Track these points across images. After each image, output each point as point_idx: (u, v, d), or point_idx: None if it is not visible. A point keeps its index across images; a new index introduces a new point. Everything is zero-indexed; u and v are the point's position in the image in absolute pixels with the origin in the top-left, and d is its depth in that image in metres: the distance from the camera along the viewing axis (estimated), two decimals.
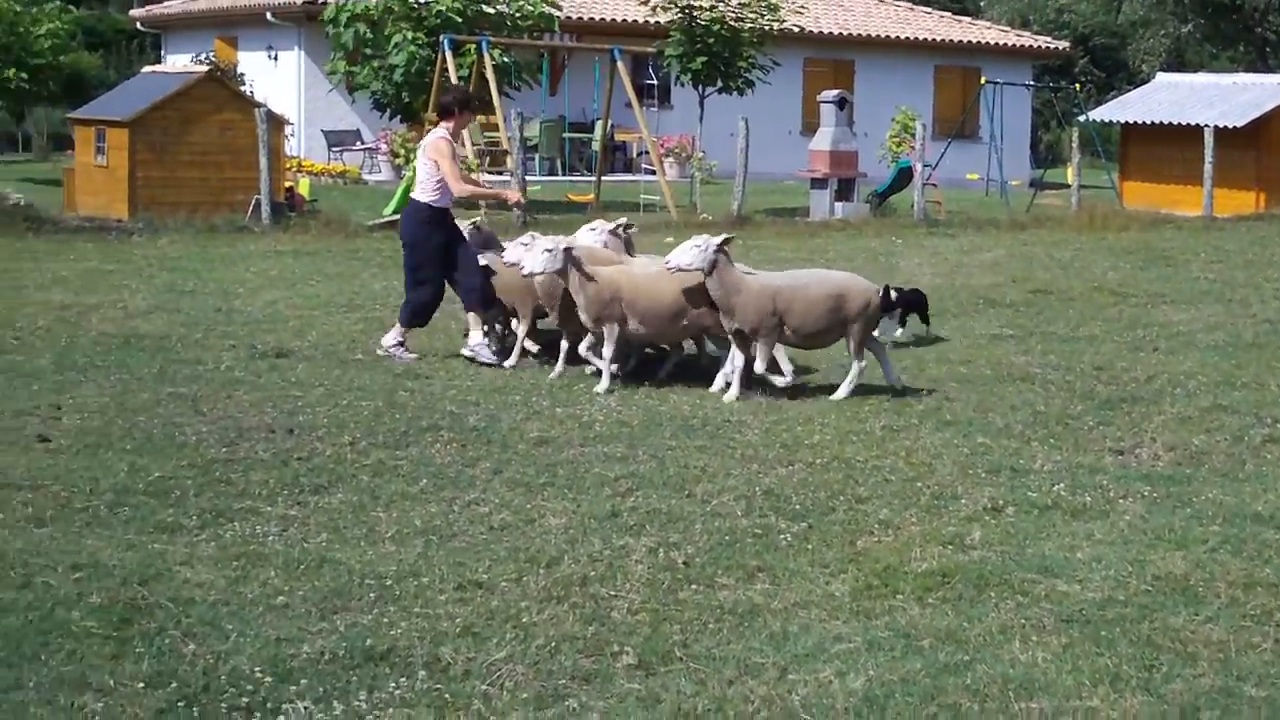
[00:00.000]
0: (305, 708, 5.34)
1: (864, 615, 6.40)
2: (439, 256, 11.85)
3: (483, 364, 11.57)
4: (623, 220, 12.94)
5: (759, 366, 10.61)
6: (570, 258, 10.78)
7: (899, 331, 12.99)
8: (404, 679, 5.59)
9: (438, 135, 12.18)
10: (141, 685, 5.47)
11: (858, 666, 5.80)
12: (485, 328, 11.88)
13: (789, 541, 7.37)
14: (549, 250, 10.79)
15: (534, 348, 11.87)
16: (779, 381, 10.76)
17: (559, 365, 11.38)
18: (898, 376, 11.03)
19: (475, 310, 11.80)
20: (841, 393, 10.74)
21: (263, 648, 5.84)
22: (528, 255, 10.96)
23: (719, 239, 10.73)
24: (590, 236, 12.12)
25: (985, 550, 7.29)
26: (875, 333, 11.14)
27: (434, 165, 11.87)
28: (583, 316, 10.86)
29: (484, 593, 6.55)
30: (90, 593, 6.38)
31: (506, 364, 11.59)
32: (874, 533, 7.57)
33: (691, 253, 10.56)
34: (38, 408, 9.84)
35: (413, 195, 12.30)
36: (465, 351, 11.80)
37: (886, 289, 12.25)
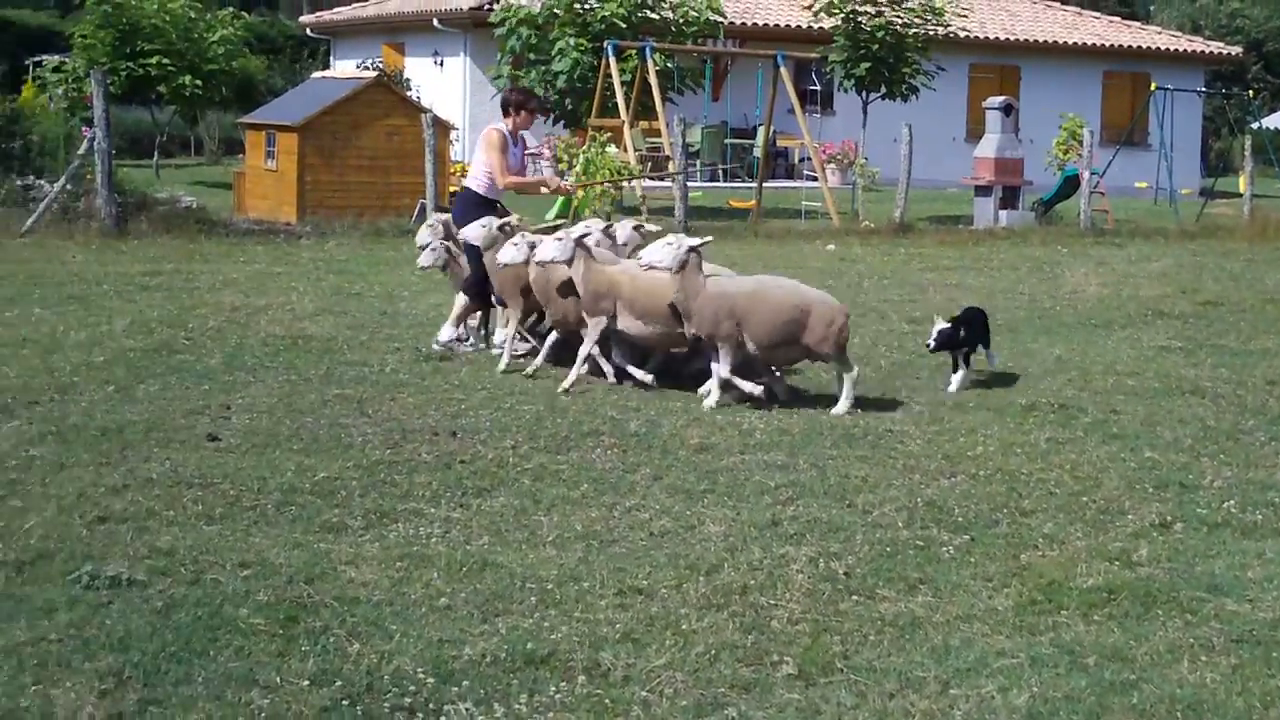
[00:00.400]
0: (466, 709, 5.38)
1: (1028, 631, 6.31)
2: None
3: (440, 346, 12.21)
4: (640, 221, 13.10)
5: (721, 372, 10.54)
6: (581, 247, 10.88)
7: (957, 377, 11.27)
8: (564, 683, 5.62)
9: (491, 127, 12.70)
10: (306, 683, 5.55)
11: (1021, 683, 5.72)
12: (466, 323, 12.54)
13: (951, 554, 7.30)
14: (560, 239, 10.90)
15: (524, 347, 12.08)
16: (745, 387, 10.65)
17: (539, 359, 11.55)
18: (848, 408, 10.49)
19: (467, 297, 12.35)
20: (841, 407, 10.46)
21: (425, 649, 5.89)
22: (544, 243, 11.05)
23: (694, 240, 10.68)
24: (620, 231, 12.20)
25: (1152, 567, 7.16)
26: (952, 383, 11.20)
27: (484, 156, 12.44)
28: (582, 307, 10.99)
29: (644, 599, 6.56)
30: (258, 590, 6.49)
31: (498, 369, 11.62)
32: (1038, 547, 7.47)
33: (664, 250, 10.54)
34: (208, 407, 10.04)
35: (464, 182, 12.92)
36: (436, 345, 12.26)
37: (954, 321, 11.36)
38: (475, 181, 12.65)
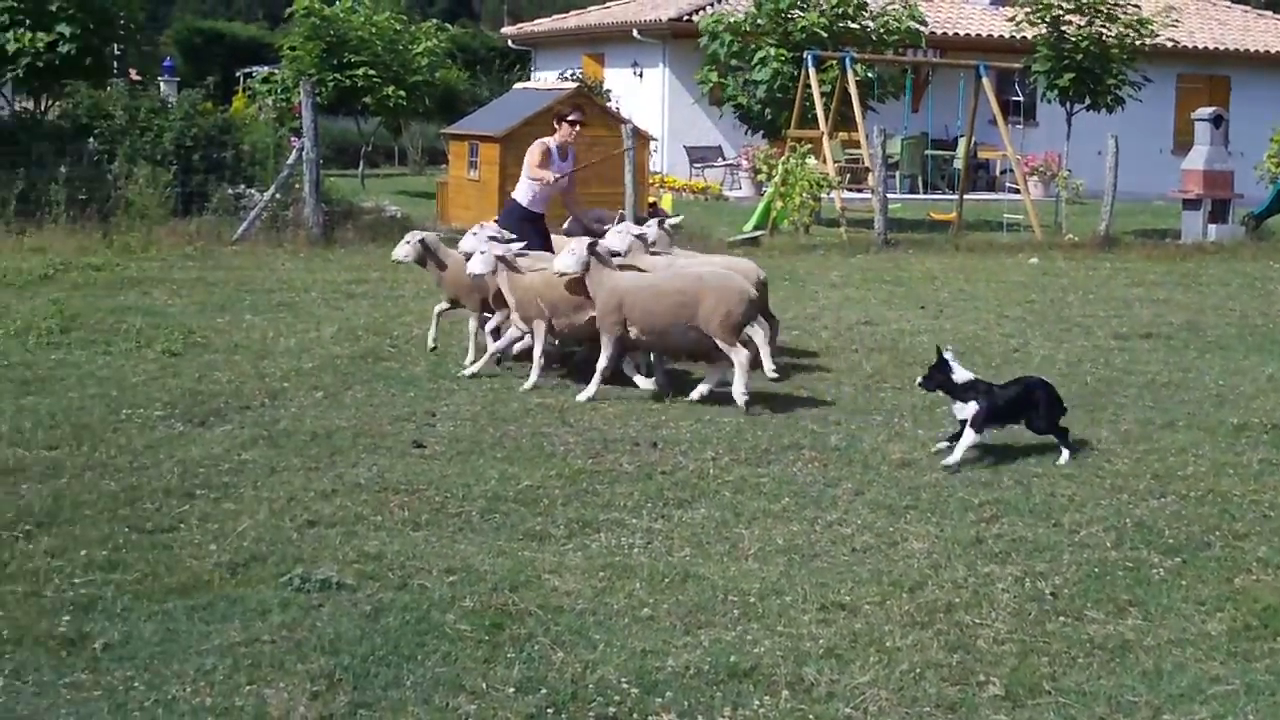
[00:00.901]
0: None
1: (1242, 657, 6.16)
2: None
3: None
4: (668, 217, 13.18)
5: (600, 363, 10.71)
6: (594, 254, 10.82)
7: (962, 444, 9.23)
8: (768, 697, 5.61)
9: (537, 141, 13.02)
10: (512, 690, 5.61)
11: (1236, 710, 5.59)
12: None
13: (1162, 576, 7.15)
14: (573, 251, 10.87)
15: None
16: (641, 384, 10.87)
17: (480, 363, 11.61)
18: (744, 392, 10.46)
19: None
20: (738, 386, 10.47)
21: (629, 659, 5.92)
22: (561, 255, 11.04)
23: (589, 241, 10.99)
24: (618, 238, 11.75)
25: None
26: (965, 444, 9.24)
27: (527, 168, 12.79)
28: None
29: (847, 615, 6.52)
30: (463, 596, 6.58)
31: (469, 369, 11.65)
32: (1252, 571, 7.28)
33: (567, 258, 10.78)
34: (413, 414, 10.20)
35: (513, 194, 13.21)
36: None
37: (939, 350, 9.55)
38: (520, 195, 13.06)
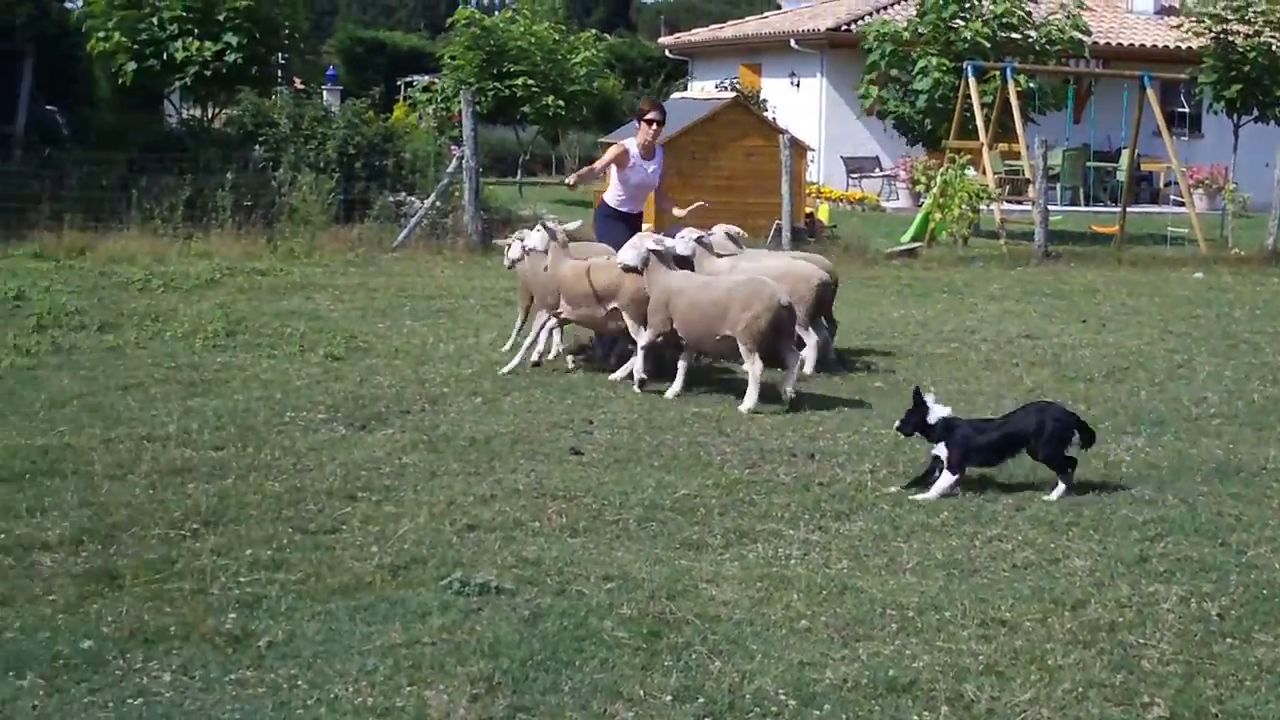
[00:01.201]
0: None
1: None
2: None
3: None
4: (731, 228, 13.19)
5: (640, 341, 11.37)
6: (654, 253, 11.18)
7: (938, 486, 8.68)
8: (927, 713, 5.56)
9: (618, 143, 13.41)
10: (669, 698, 5.61)
11: None
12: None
13: None
14: (635, 246, 11.34)
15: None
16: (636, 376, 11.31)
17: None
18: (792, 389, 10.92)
19: None
20: (747, 402, 10.82)
21: (786, 670, 5.89)
22: (624, 249, 11.49)
23: (653, 237, 11.63)
24: (681, 243, 12.00)
25: None
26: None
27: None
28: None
29: (1008, 631, 6.43)
30: (621, 603, 6.59)
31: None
32: None
33: (629, 252, 11.28)
34: (571, 421, 10.25)
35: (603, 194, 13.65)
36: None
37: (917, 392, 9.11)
38: (607, 195, 13.50)
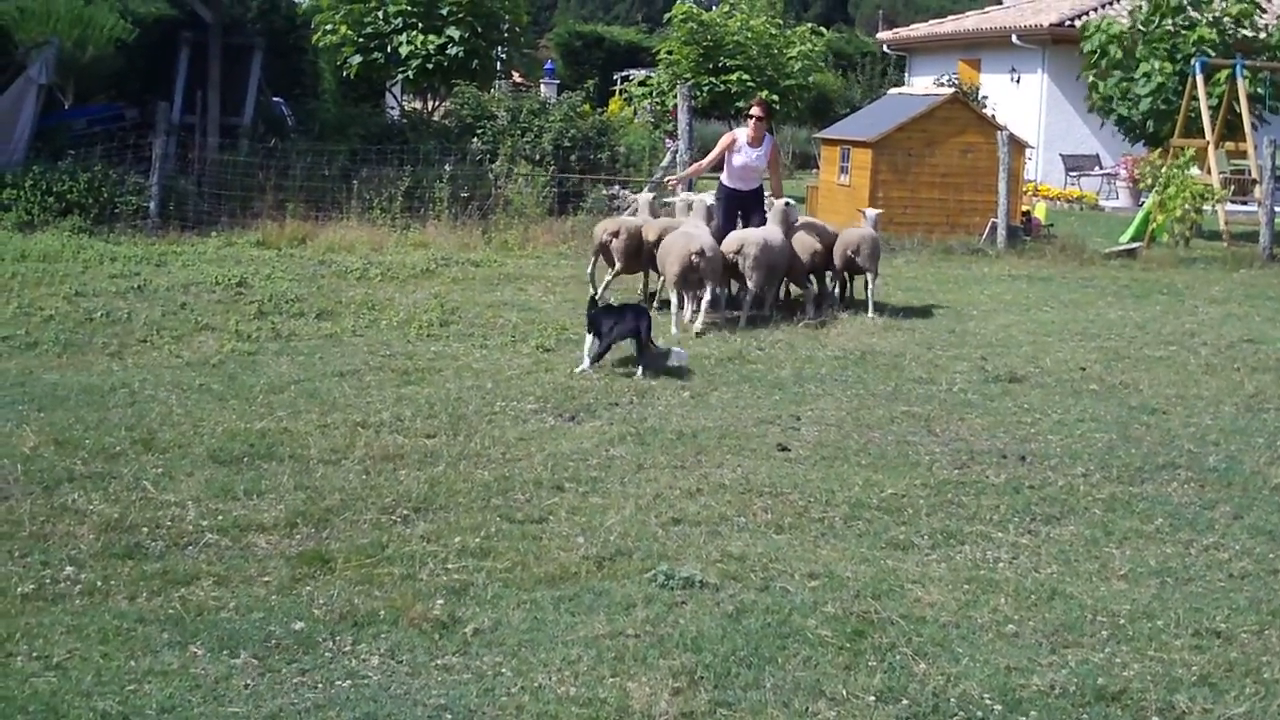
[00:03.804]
0: None
1: None
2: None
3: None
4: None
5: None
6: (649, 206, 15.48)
7: None
8: None
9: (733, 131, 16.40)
10: (872, 699, 5.57)
11: None
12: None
13: None
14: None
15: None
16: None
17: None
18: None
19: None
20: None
21: (992, 675, 5.82)
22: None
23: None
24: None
25: None
26: None
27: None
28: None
29: (1222, 642, 6.27)
30: (825, 602, 6.56)
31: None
32: None
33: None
34: (778, 417, 10.22)
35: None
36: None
37: None
38: (723, 178, 15.94)
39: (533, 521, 7.65)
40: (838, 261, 15.18)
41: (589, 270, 15.52)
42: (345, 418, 9.67)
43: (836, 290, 15.71)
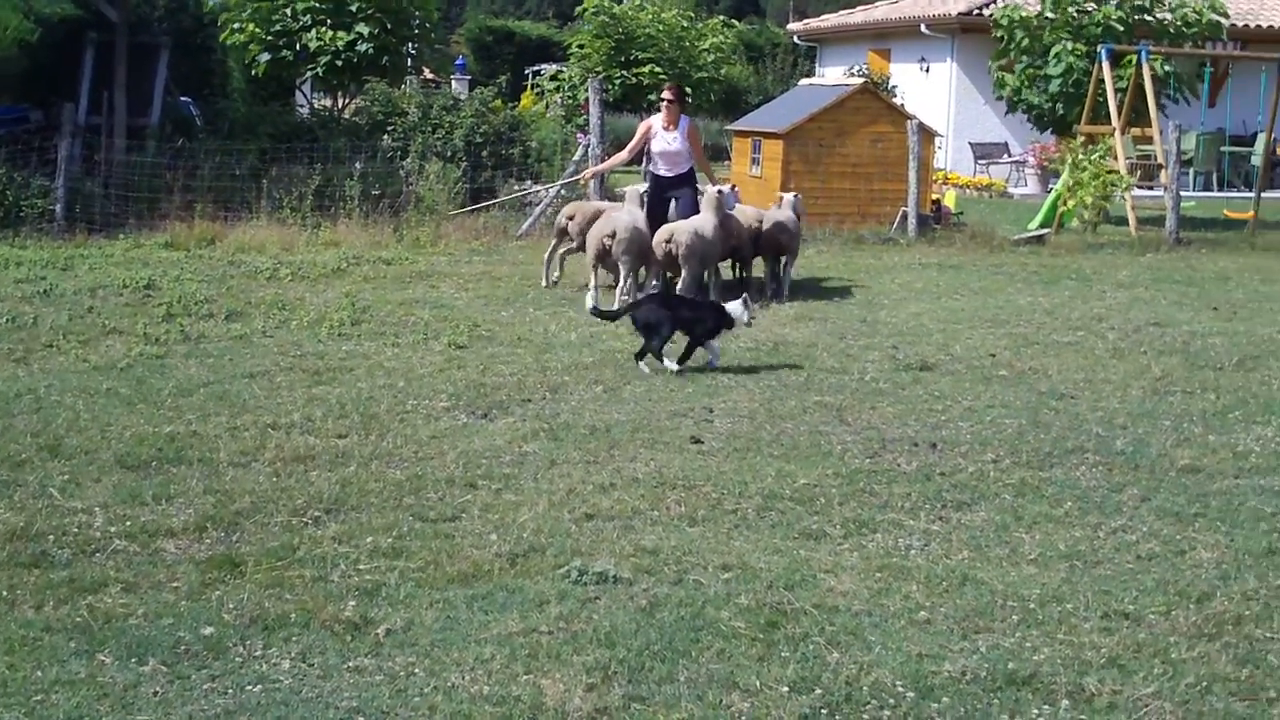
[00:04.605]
0: None
1: None
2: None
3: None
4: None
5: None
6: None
7: None
8: (1047, 706, 5.49)
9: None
10: (786, 689, 5.59)
11: None
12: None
13: None
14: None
15: None
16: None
17: None
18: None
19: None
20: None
21: (904, 662, 5.85)
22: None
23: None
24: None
25: None
26: None
27: None
28: None
29: (1131, 624, 6.34)
30: (739, 593, 6.57)
31: None
32: None
33: None
34: (692, 410, 10.24)
35: None
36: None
37: None
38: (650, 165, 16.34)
39: (445, 520, 7.62)
40: (762, 243, 15.80)
41: (546, 255, 16.27)
42: (255, 420, 9.60)
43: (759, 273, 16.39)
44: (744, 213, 15.85)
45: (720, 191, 14.95)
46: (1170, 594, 6.71)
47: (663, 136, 15.89)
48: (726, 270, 16.13)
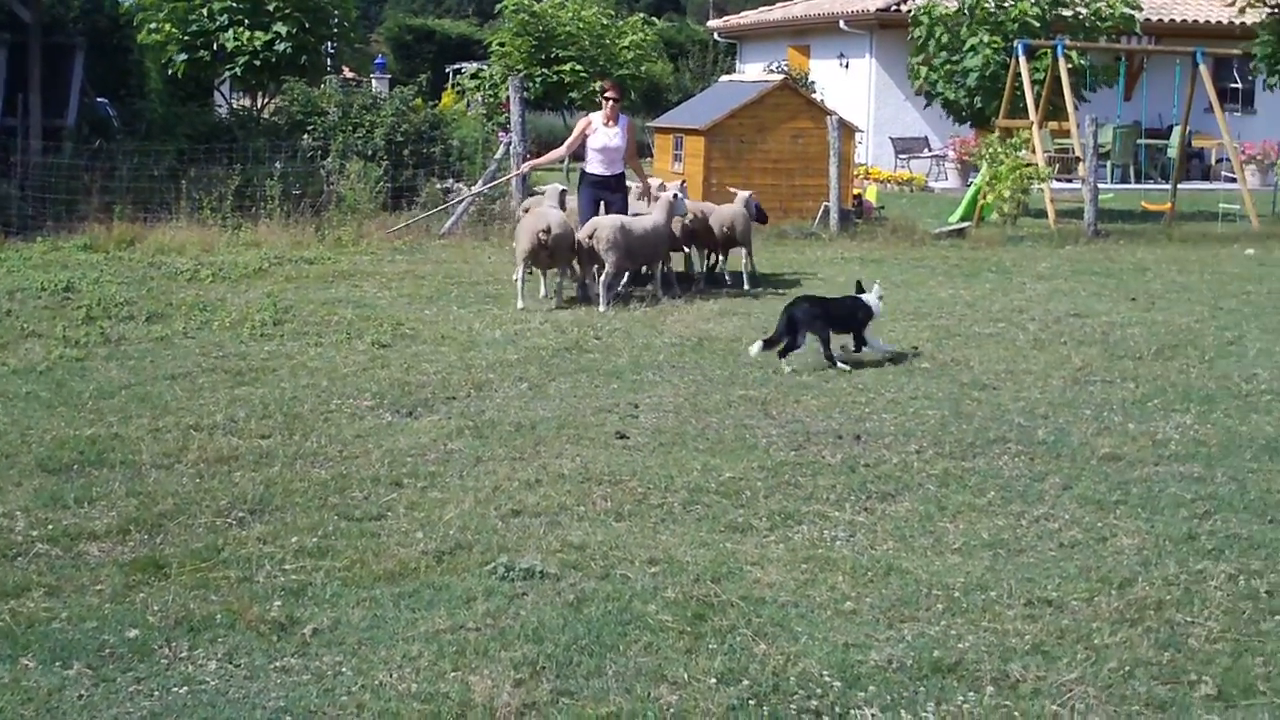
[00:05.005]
0: (873, 715, 5.35)
1: None
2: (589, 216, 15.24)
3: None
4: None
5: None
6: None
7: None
8: (972, 693, 5.54)
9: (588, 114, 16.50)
10: (714, 681, 5.61)
11: None
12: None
13: None
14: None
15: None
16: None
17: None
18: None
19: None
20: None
21: (831, 652, 5.88)
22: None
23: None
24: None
25: None
26: None
27: None
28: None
29: (1054, 610, 6.40)
30: (665, 587, 6.59)
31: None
32: None
33: None
34: (617, 405, 10.25)
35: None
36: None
37: None
38: (585, 165, 15.83)
39: (371, 519, 7.59)
40: (716, 236, 16.22)
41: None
42: (178, 421, 9.53)
43: (710, 264, 16.94)
44: (696, 208, 16.31)
45: (675, 195, 15.23)
46: (1092, 580, 6.78)
47: (604, 132, 15.76)
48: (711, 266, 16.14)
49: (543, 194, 15.57)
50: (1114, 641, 6.04)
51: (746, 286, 16.18)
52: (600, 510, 7.78)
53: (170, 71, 23.98)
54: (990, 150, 23.16)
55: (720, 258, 17.07)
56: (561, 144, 16.67)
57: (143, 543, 7.19)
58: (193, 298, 14.51)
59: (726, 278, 16.66)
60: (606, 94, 16.10)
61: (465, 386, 10.74)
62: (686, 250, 16.51)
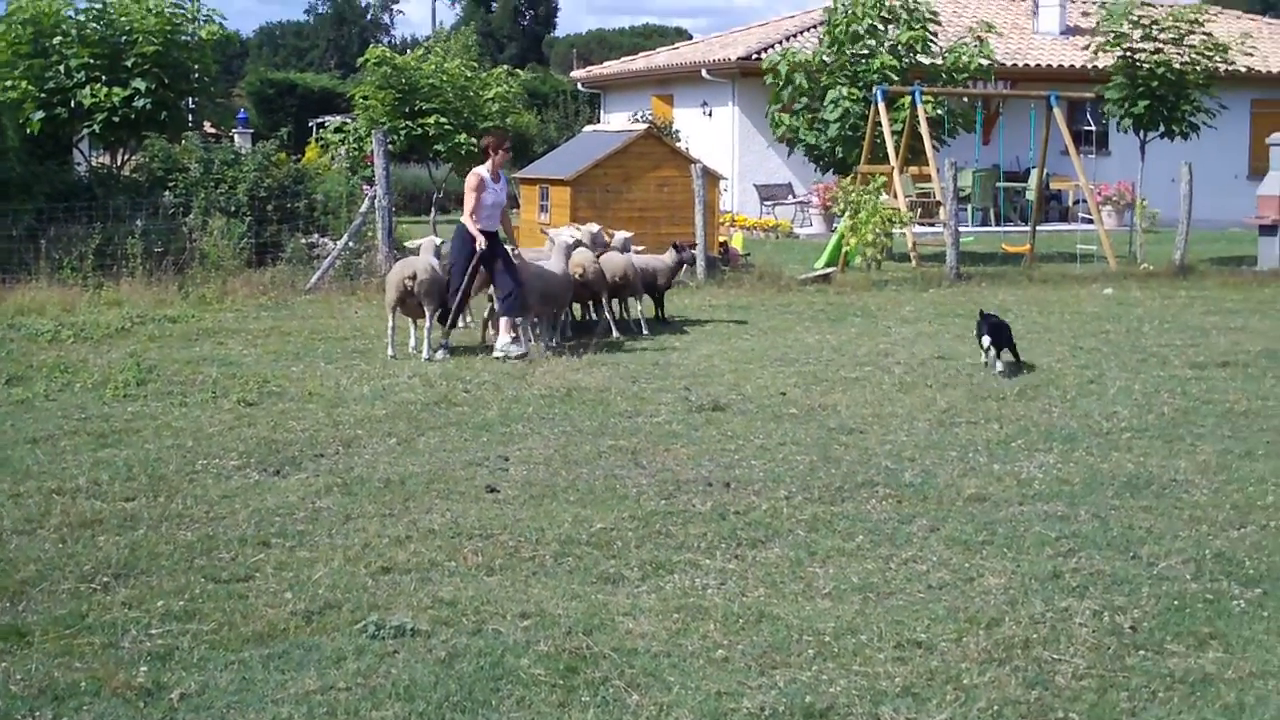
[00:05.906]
0: None
1: None
2: (464, 268, 14.98)
3: (513, 359, 14.42)
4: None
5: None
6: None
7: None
8: None
9: (473, 171, 15.47)
10: None
11: None
12: (514, 333, 14.89)
13: (1243, 608, 7.06)
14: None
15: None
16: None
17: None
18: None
19: (510, 316, 14.85)
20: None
21: (704, 700, 5.90)
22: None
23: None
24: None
25: None
26: None
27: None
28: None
29: (923, 652, 6.47)
30: (538, 640, 6.57)
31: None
32: None
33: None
34: (487, 459, 10.22)
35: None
36: (497, 353, 14.65)
37: None
38: (465, 218, 15.17)
39: (238, 580, 7.50)
40: (608, 286, 16.60)
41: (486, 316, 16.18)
42: (39, 485, 9.36)
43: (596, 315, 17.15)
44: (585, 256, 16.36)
45: (572, 239, 15.79)
46: (960, 621, 6.86)
47: (493, 188, 15.25)
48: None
49: (416, 250, 15.45)
50: (983, 681, 6.11)
51: (645, 332, 16.67)
52: (471, 565, 7.74)
53: (27, 130, 23.62)
54: (850, 196, 23.44)
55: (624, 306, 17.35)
56: (466, 209, 15.12)
57: (4, 610, 7.04)
58: (54, 359, 14.27)
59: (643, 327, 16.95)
60: (503, 147, 15.48)
61: (333, 443, 10.66)
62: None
